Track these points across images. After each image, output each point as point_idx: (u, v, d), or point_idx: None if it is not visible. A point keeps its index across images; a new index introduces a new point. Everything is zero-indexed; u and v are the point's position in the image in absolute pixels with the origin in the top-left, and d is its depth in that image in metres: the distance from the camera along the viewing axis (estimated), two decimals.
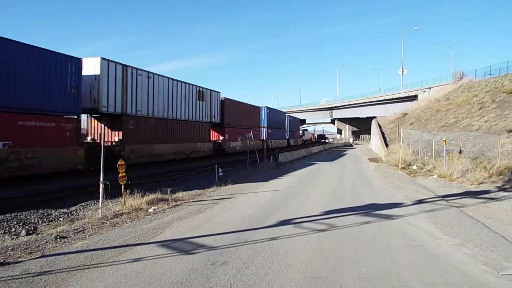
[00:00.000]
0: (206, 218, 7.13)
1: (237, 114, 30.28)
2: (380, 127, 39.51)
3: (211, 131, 26.69)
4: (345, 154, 34.15)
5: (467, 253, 5.01)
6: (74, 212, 8.13)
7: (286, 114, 50.49)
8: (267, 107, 38.75)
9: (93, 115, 17.49)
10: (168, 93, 20.80)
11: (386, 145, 28.91)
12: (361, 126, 76.62)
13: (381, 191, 10.92)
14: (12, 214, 7.60)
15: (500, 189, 10.84)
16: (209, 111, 25.56)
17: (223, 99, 27.85)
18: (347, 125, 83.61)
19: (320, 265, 4.49)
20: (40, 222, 7.20)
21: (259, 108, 37.09)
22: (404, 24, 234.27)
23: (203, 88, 24.76)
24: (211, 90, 25.81)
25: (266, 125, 37.20)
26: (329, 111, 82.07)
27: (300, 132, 66.25)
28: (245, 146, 29.74)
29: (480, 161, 14.33)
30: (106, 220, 6.77)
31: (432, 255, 4.93)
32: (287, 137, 49.02)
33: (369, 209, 7.96)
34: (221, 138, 28.39)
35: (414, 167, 17.57)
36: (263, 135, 31.30)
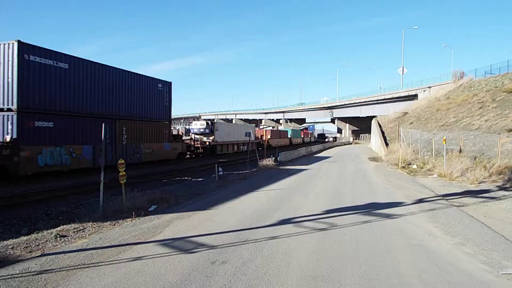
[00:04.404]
0: (205, 217, 7.14)
1: None
2: (380, 126, 39.47)
3: None
4: (345, 153, 34.13)
5: (467, 252, 5.01)
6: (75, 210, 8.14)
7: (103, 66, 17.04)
8: None
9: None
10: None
11: (386, 144, 28.89)
12: (361, 125, 76.49)
13: (381, 190, 10.91)
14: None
15: (500, 188, 10.83)
16: None
17: None
18: (347, 124, 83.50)
19: (320, 264, 4.49)
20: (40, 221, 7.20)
21: None
22: (404, 24, 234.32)
23: None
24: None
25: None
26: (329, 110, 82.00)
27: (195, 128, 29.73)
28: None
29: (480, 160, 14.32)
30: (106, 219, 6.77)
31: (432, 254, 4.93)
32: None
33: (369, 208, 7.95)
34: None
35: (414, 166, 17.56)
36: None
